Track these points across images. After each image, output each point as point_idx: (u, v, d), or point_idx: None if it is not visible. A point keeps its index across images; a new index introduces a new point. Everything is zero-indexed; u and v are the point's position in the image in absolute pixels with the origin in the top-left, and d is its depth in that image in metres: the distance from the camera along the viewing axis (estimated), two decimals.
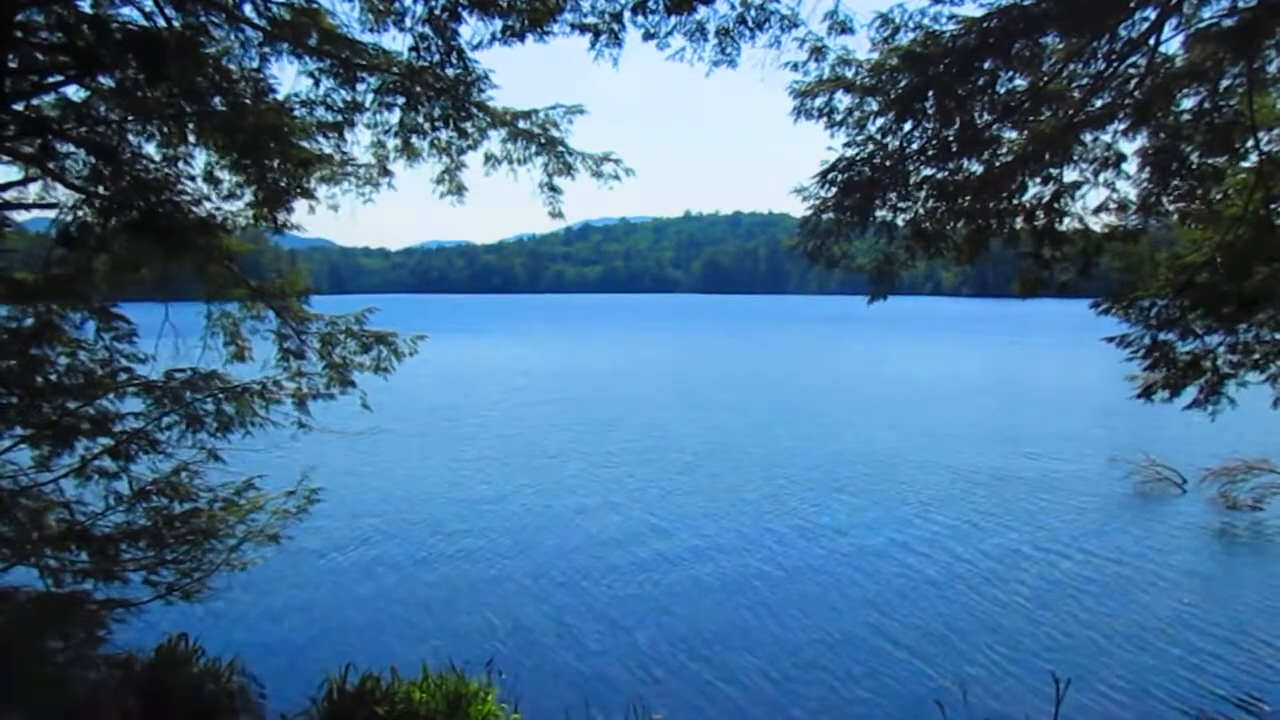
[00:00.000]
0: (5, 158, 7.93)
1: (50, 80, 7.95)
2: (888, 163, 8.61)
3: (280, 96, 8.50)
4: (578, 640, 12.14)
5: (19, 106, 7.83)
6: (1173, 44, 8.05)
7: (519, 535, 17.23)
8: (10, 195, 8.17)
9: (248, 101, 8.20)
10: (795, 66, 8.36)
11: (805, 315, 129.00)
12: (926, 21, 7.94)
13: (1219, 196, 9.16)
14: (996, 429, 30.04)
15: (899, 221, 9.15)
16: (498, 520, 18.37)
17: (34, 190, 8.55)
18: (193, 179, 8.83)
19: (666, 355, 65.23)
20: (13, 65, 7.50)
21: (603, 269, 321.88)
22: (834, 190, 8.66)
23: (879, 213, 8.98)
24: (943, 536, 17.06)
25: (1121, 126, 8.50)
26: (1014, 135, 8.77)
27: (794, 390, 42.16)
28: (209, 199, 9.05)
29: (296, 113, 8.68)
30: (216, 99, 8.11)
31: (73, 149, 8.24)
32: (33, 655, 8.07)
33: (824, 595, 13.86)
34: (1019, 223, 9.01)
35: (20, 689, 7.58)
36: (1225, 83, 8.13)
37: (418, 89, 8.93)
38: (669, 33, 8.05)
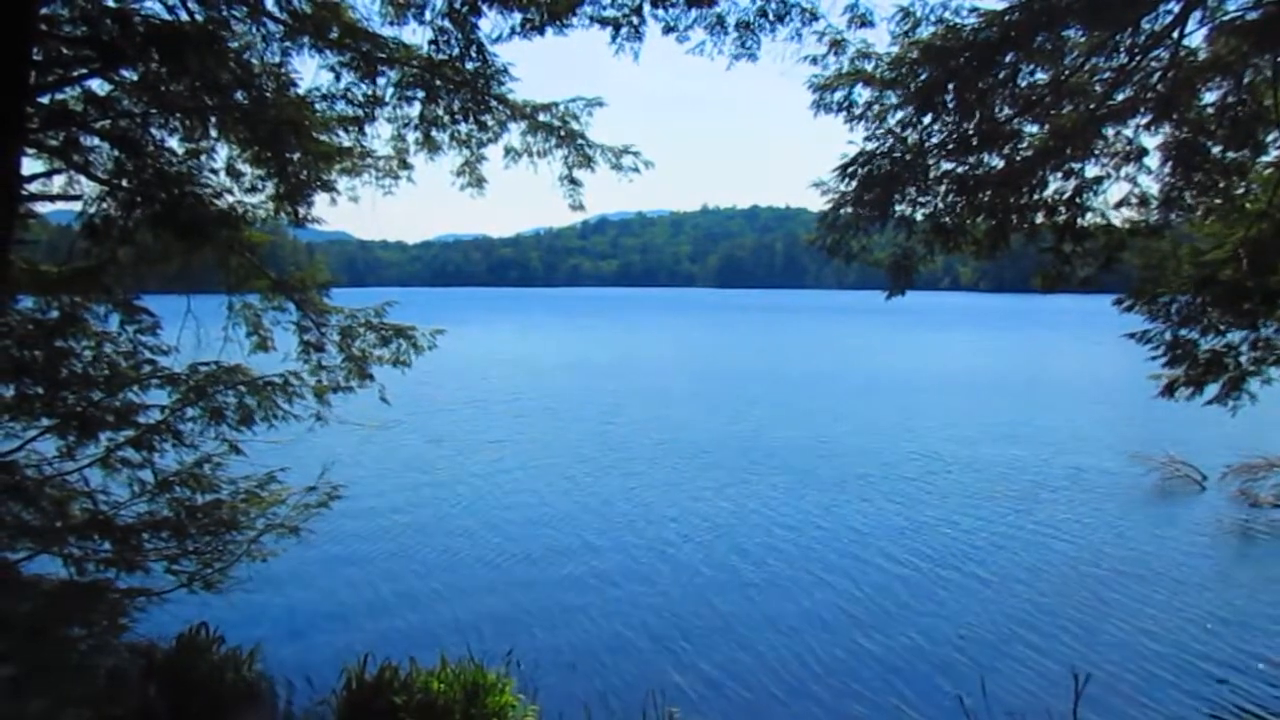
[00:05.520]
0: (31, 150, 8.00)
1: (74, 73, 8.00)
2: (907, 157, 8.58)
3: (301, 90, 8.57)
4: (596, 634, 12.18)
5: (44, 99, 7.89)
6: (1196, 37, 8.01)
7: (538, 528, 17.29)
8: (36, 187, 8.25)
9: (269, 95, 8.26)
10: (815, 60, 8.36)
11: (823, 309, 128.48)
12: (947, 15, 7.92)
13: (1241, 191, 9.09)
14: (1015, 424, 29.88)
15: (918, 216, 9.12)
16: (516, 513, 18.44)
17: (59, 182, 8.63)
18: (215, 172, 8.87)
19: (682, 349, 65.16)
20: (37, 58, 7.57)
21: (619, 263, 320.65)
22: (853, 184, 8.65)
23: (898, 207, 8.96)
24: (963, 531, 17.01)
25: (1144, 121, 8.45)
26: (1035, 129, 8.73)
27: (815, 384, 42.00)
28: (230, 192, 9.12)
29: (317, 106, 8.73)
30: (238, 93, 8.16)
31: (97, 142, 8.31)
32: (56, 643, 8.15)
33: (844, 591, 13.85)
34: (1040, 218, 8.96)
35: (43, 676, 7.67)
36: (1249, 77, 8.07)
37: (438, 82, 8.96)
38: (689, 26, 8.07)
